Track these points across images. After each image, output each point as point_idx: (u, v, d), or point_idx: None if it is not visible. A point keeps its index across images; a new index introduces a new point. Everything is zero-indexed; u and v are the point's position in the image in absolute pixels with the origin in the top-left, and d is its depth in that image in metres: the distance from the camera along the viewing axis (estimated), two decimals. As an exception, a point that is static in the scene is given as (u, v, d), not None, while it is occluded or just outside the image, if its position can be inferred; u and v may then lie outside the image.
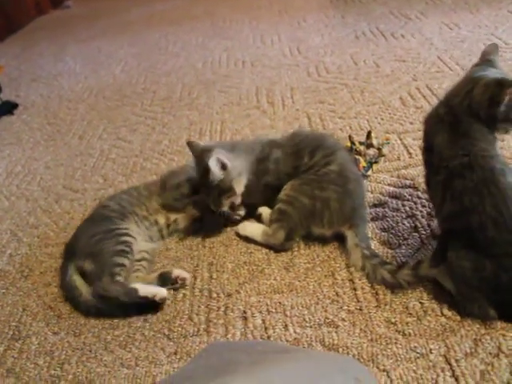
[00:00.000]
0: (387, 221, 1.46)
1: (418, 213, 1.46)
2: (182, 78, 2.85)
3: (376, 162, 1.70)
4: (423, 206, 1.48)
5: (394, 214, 1.48)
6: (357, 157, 1.67)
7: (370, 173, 1.66)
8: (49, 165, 2.18)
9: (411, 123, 1.92)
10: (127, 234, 1.46)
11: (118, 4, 5.08)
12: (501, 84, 1.10)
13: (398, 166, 1.69)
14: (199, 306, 1.32)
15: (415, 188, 1.56)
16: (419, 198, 1.52)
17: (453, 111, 1.16)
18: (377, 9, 3.34)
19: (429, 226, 1.41)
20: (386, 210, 1.51)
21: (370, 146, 1.73)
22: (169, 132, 2.25)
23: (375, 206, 1.53)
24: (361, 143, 1.74)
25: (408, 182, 1.60)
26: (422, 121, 1.25)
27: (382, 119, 1.99)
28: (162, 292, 1.32)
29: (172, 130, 2.27)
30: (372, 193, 1.59)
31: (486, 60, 1.22)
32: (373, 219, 1.48)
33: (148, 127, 2.34)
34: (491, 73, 1.16)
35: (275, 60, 2.82)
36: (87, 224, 1.52)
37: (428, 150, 1.22)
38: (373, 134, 1.74)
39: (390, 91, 2.20)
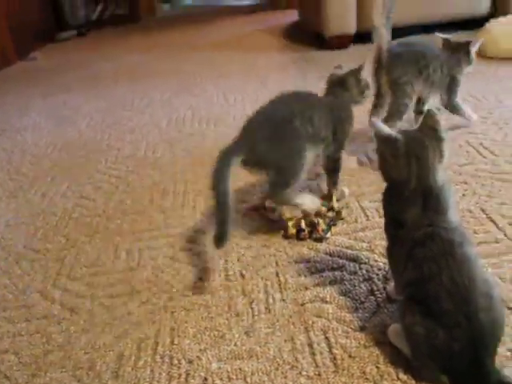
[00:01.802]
0: (345, 284, 1.51)
1: (374, 276, 1.52)
2: (147, 136, 2.89)
3: (334, 225, 1.76)
4: (379, 269, 1.54)
5: (352, 277, 1.53)
6: (316, 219, 1.73)
7: (329, 235, 1.71)
8: (10, 223, 2.16)
9: (368, 185, 2.00)
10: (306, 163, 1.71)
11: (84, 57, 5.15)
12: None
13: (356, 229, 1.75)
14: (160, 373, 1.31)
15: (372, 251, 1.62)
16: (375, 260, 1.58)
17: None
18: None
19: (384, 289, 1.46)
20: (344, 273, 1.55)
21: (330, 208, 1.80)
22: (132, 191, 2.27)
23: (333, 269, 1.58)
24: (322, 205, 1.80)
25: (365, 245, 1.66)
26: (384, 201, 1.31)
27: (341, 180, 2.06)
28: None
29: (135, 189, 2.28)
30: (331, 256, 1.64)
31: None
32: (331, 283, 1.52)
33: (112, 185, 2.35)
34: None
35: (238, 119, 2.89)
36: (276, 141, 1.64)
37: (394, 224, 1.26)
38: (334, 197, 1.82)
39: (348, 152, 2.29)
